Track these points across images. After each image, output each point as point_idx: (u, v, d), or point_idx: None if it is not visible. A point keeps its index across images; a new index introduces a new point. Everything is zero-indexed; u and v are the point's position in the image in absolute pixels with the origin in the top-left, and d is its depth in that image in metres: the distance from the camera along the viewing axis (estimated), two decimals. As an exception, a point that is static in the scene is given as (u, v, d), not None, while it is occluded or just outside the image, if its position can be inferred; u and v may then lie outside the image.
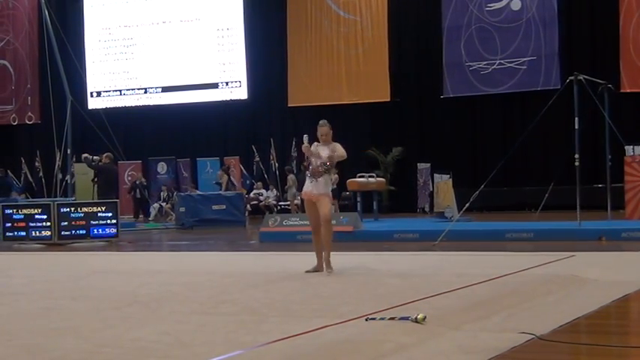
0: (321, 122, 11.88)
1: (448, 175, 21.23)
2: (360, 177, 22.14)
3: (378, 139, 27.74)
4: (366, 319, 7.08)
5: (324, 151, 11.33)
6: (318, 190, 10.94)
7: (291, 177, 26.46)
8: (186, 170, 29.35)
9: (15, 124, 31.93)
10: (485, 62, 26.69)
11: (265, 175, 28.00)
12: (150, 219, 27.05)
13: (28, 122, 31.86)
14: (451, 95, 26.97)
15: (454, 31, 26.92)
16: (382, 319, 7.05)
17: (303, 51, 28.73)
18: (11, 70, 32.62)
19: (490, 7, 26.69)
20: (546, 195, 18.17)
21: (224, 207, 23.38)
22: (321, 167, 11.13)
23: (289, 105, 28.90)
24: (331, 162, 11.22)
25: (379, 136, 27.95)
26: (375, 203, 21.97)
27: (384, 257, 13.50)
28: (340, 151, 11.36)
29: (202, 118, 29.62)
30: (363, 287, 9.53)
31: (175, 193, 26.58)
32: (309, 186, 11.03)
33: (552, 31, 26.08)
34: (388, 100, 27.54)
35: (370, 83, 27.74)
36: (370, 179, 22.14)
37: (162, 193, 27.77)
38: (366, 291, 9.18)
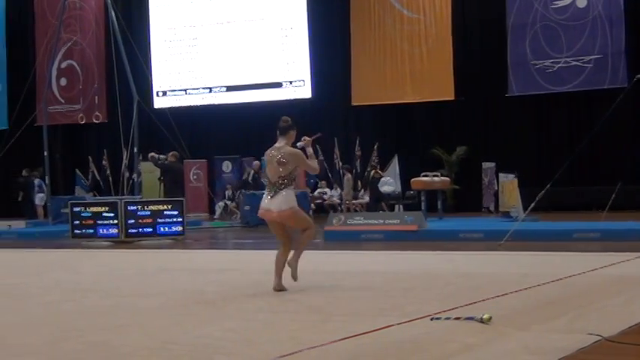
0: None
1: (513, 175, 21.02)
2: (424, 176, 22.05)
3: (442, 138, 27.60)
4: (432, 319, 7.06)
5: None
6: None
7: (347, 176, 26.45)
8: (251, 169, 29.46)
9: (83, 123, 32.35)
10: (550, 60, 26.40)
11: (329, 174, 28.01)
12: (215, 217, 27.23)
13: (95, 121, 32.26)
14: (516, 94, 26.72)
15: (519, 28, 26.67)
16: (447, 318, 7.03)
17: (367, 50, 28.69)
18: (79, 70, 33.06)
19: (555, 4, 26.39)
20: (613, 195, 17.90)
21: (289, 205, 23.41)
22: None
23: (353, 104, 28.87)
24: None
25: (443, 135, 27.81)
26: (439, 202, 21.87)
27: (449, 257, 13.43)
28: None
29: (266, 117, 29.63)
30: (429, 287, 9.50)
31: (240, 192, 26.72)
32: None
33: (619, 29, 25.70)
34: (452, 99, 27.38)
35: (434, 82, 27.59)
36: (435, 178, 22.04)
37: (227, 192, 27.93)
38: (432, 290, 9.15)
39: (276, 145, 9.84)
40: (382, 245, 15.90)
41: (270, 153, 9.83)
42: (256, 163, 26.14)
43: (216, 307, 8.31)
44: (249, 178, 25.84)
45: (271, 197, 9.73)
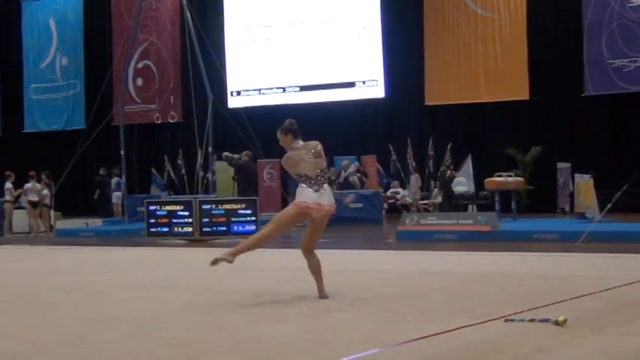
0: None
1: (589, 175, 20.74)
2: (498, 176, 21.87)
3: (516, 138, 27.32)
4: (506, 320, 7.02)
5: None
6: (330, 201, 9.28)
7: (415, 176, 26.33)
8: (324, 168, 29.54)
9: (158, 122, 32.74)
10: (627, 59, 25.98)
11: (402, 174, 27.93)
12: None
13: (170, 121, 32.60)
14: (592, 93, 26.35)
15: (595, 27, 26.29)
16: (522, 320, 6.98)
17: (440, 49, 28.54)
18: (155, 70, 33.47)
19: (632, 3, 25.94)
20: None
21: (361, 205, 23.47)
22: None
23: (426, 104, 28.75)
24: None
25: (518, 134, 27.53)
26: (513, 203, 21.67)
27: (523, 258, 13.31)
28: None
29: (339, 117, 29.76)
30: (503, 288, 9.43)
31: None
32: (324, 197, 9.24)
33: (697, 28, 25.24)
34: (527, 98, 27.10)
35: (508, 81, 27.34)
36: (509, 178, 21.86)
37: (299, 191, 28.00)
38: (506, 292, 9.08)
39: (297, 144, 9.77)
40: (455, 246, 15.82)
41: (299, 153, 9.59)
42: (346, 162, 26.21)
43: (290, 306, 8.36)
44: (342, 178, 25.88)
45: (316, 191, 9.12)
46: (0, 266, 14.49)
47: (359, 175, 26.32)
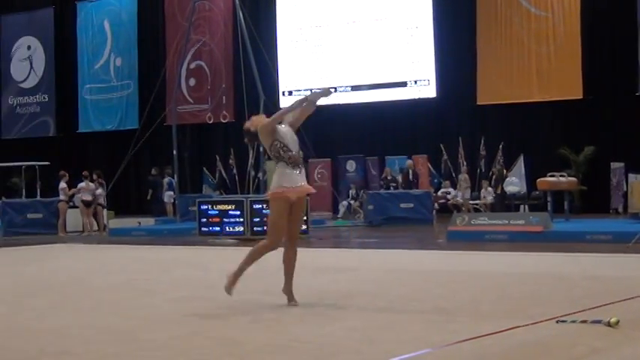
0: None
1: (643, 175, 20.53)
2: (550, 176, 21.69)
3: (569, 137, 27.07)
4: (557, 322, 6.96)
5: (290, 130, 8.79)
6: (305, 182, 8.56)
7: (463, 176, 26.19)
8: (375, 168, 29.53)
9: (210, 122, 32.91)
10: (683, 57, 25.67)
11: (453, 174, 27.83)
12: (339, 216, 27.39)
13: (222, 121, 32.74)
14: (647, 92, 26.06)
15: (650, 25, 26.00)
16: (573, 321, 6.92)
17: (493, 49, 28.36)
18: (207, 70, 33.66)
19: (689, -1, 25.63)
20: None
21: (412, 205, 23.42)
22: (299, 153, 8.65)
23: (478, 103, 28.58)
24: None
25: (571, 134, 27.27)
26: (566, 203, 21.47)
27: (576, 258, 13.19)
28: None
29: (391, 117, 29.72)
30: (554, 289, 9.36)
31: (364, 191, 26.80)
32: (297, 178, 8.45)
33: None
34: (580, 97, 26.83)
35: (562, 81, 27.08)
36: (561, 179, 21.66)
37: (350, 191, 28.04)
38: (558, 292, 9.01)
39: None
40: (506, 246, 15.71)
41: (285, 128, 8.76)
42: (410, 162, 26.20)
43: (339, 306, 8.37)
44: (410, 177, 25.86)
45: (299, 172, 8.48)
46: (54, 265, 14.68)
47: (389, 177, 26.37)
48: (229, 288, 8.36)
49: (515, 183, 24.94)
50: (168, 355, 6.26)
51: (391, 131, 29.67)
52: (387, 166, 27.90)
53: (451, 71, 28.92)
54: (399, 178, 26.24)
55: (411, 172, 25.86)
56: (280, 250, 8.52)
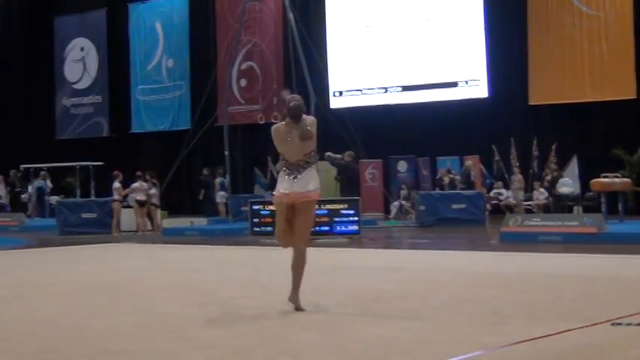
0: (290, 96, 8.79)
1: (699, 176, 20.22)
2: (604, 177, 21.47)
3: (623, 138, 26.73)
4: (612, 324, 6.91)
5: (299, 131, 8.44)
6: (302, 188, 8.24)
7: (518, 177, 26.00)
8: (426, 169, 29.43)
9: (262, 122, 32.99)
10: None
11: (505, 175, 27.64)
12: (390, 217, 27.34)
13: (273, 121, 32.52)
14: (703, 91, 25.67)
15: None
16: (629, 324, 6.86)
17: (544, 48, 28.11)
18: (258, 71, 33.79)
19: None
20: None
21: (464, 206, 23.32)
22: (302, 156, 8.34)
23: (530, 103, 28.34)
24: (311, 143, 8.50)
25: (625, 135, 26.92)
26: (620, 204, 21.23)
27: (630, 260, 13.04)
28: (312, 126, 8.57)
29: (442, 117, 29.59)
30: (609, 291, 9.28)
31: (415, 192, 26.73)
32: (286, 184, 8.25)
33: None
34: (634, 97, 26.51)
35: (614, 80, 26.77)
36: (615, 179, 21.43)
37: (402, 192, 27.97)
38: (612, 295, 8.93)
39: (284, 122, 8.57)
40: (560, 247, 15.60)
41: (290, 130, 8.48)
42: (469, 162, 26.12)
43: (391, 306, 8.37)
44: (472, 177, 25.81)
45: (294, 178, 8.25)
46: (108, 264, 14.84)
47: (451, 176, 26.23)
48: (298, 304, 8.23)
49: (568, 184, 24.73)
50: (220, 353, 6.31)
51: (442, 131, 29.54)
52: (443, 166, 27.77)
53: (503, 71, 28.72)
54: (458, 177, 26.11)
55: (472, 172, 25.76)
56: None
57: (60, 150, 38.34)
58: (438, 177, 27.20)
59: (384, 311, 8.09)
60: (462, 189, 24.91)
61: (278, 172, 8.23)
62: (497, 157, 27.91)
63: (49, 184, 33.12)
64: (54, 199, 31.31)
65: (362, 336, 6.78)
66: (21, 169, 35.00)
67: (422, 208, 23.81)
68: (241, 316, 7.96)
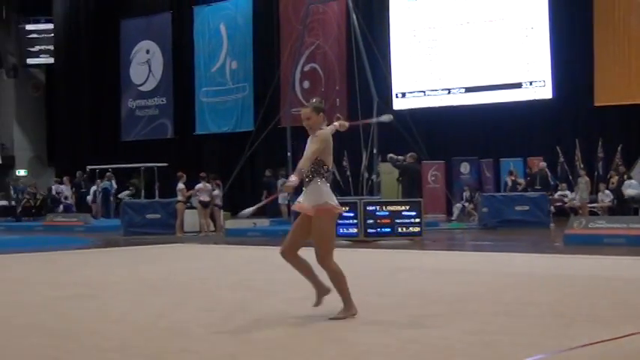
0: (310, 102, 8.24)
1: None
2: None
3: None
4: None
5: (310, 144, 7.95)
6: (305, 202, 7.79)
7: (584, 179, 25.71)
8: (489, 170, 29.25)
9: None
10: None
11: (570, 177, 27.36)
12: (453, 218, 27.22)
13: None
14: None
15: None
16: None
17: (611, 49, 27.78)
18: (321, 72, 33.87)
19: None
20: None
21: (527, 208, 23.12)
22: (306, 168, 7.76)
23: (595, 104, 28.04)
24: (319, 159, 7.81)
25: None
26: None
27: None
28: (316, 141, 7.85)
29: (505, 118, 29.39)
30: (675, 295, 9.15)
31: (478, 194, 26.58)
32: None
33: None
34: (703, 97, 26.11)
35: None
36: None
37: (464, 193, 27.83)
38: (679, 299, 8.81)
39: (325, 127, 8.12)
40: (625, 250, 15.39)
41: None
42: (543, 164, 25.94)
43: (454, 309, 8.34)
44: (550, 179, 25.67)
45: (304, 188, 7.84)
46: (172, 264, 14.99)
47: (512, 178, 26.04)
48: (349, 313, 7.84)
49: (634, 186, 24.41)
50: (283, 355, 6.35)
51: (506, 133, 29.34)
52: (507, 168, 27.57)
53: (567, 72, 28.43)
54: (522, 180, 25.91)
55: (549, 173, 25.55)
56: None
57: (125, 152, 38.85)
58: (511, 178, 26.83)
59: (446, 313, 8.06)
60: (536, 190, 24.62)
61: (320, 181, 7.74)
62: (561, 159, 27.64)
63: (115, 185, 33.56)
64: (125, 194, 31.90)
65: (423, 338, 6.77)
66: (87, 170, 35.52)
67: (485, 210, 23.67)
68: (304, 316, 7.98)
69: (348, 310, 7.76)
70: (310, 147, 7.84)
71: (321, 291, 7.99)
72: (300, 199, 7.84)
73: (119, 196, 32.53)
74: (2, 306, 9.16)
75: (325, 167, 7.78)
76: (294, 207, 8.01)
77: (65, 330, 7.43)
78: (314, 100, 8.20)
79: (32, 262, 15.80)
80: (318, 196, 7.69)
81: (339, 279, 7.88)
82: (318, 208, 7.68)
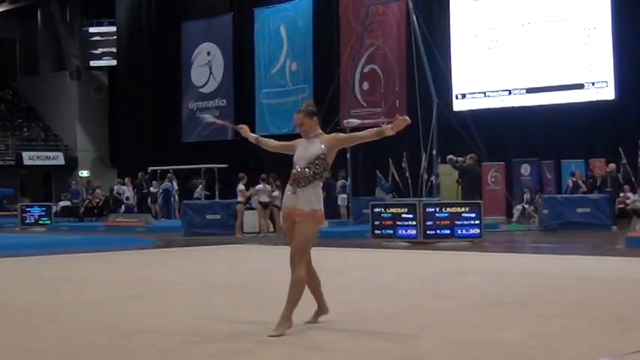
0: (300, 107, 7.93)
1: None
2: None
3: None
4: None
5: (311, 146, 7.59)
6: (298, 205, 7.49)
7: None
8: (550, 172, 28.98)
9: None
10: None
11: (632, 178, 26.99)
12: (513, 220, 27.02)
13: (395, 124, 32.75)
14: None
15: None
16: None
17: (676, 48, 27.43)
18: (380, 74, 33.83)
19: None
20: None
21: (589, 210, 22.85)
22: (308, 170, 7.52)
23: (660, 105, 27.70)
24: (323, 162, 7.52)
25: None
26: None
27: None
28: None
29: (567, 120, 29.09)
30: None
31: (539, 195, 26.35)
32: (288, 197, 7.59)
33: None
34: None
35: None
36: None
37: (525, 195, 27.61)
38: None
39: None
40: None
41: (307, 144, 7.69)
42: (612, 165, 25.68)
43: (514, 312, 8.30)
44: (620, 179, 25.50)
45: (293, 192, 7.56)
46: (232, 265, 15.10)
47: (573, 179, 25.76)
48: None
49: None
50: (342, 357, 6.36)
51: (567, 134, 29.04)
52: (573, 169, 27.30)
53: (631, 72, 28.05)
54: (582, 181, 25.66)
55: (619, 175, 25.30)
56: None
57: (186, 153, 39.20)
58: (573, 179, 26.53)
59: (506, 316, 8.02)
60: (606, 192, 24.32)
61: (319, 185, 7.54)
62: (623, 160, 27.27)
63: (176, 185, 33.90)
64: (198, 190, 32.38)
65: (483, 340, 6.74)
66: (148, 171, 35.91)
67: (545, 211, 23.45)
68: (363, 318, 7.99)
69: (284, 324, 7.20)
70: (337, 135, 7.69)
71: (322, 310, 7.80)
72: (292, 201, 7.49)
73: (195, 195, 33.00)
74: (64, 305, 9.31)
75: (327, 171, 7.58)
76: (287, 212, 7.58)
77: (125, 330, 7.52)
78: (304, 105, 7.87)
79: (94, 262, 16.03)
80: (316, 200, 7.46)
81: (299, 289, 7.45)
82: (314, 213, 7.47)
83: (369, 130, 7.65)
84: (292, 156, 7.70)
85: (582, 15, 28.98)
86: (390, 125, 7.34)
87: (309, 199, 7.43)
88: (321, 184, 7.54)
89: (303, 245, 7.56)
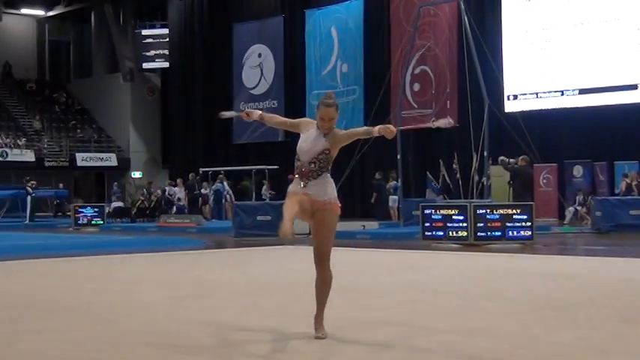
0: (327, 99, 7.59)
1: None
2: None
3: None
4: None
5: (317, 140, 7.30)
6: (317, 194, 7.29)
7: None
8: (603, 174, 28.69)
9: (434, 127, 32.95)
10: None
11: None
12: (565, 222, 26.79)
13: (447, 126, 32.63)
14: None
15: None
16: None
17: None
18: (431, 75, 33.73)
19: None
20: None
21: (644, 212, 22.59)
22: (313, 165, 7.22)
23: None
24: (327, 157, 7.26)
25: None
26: None
27: None
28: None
29: (619, 120, 28.79)
30: None
31: (591, 197, 26.09)
32: (300, 188, 7.25)
33: None
34: None
35: None
36: None
37: (577, 197, 27.36)
38: None
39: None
40: None
41: (312, 134, 7.45)
42: (633, 172, 25.43)
43: (566, 314, 8.22)
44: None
45: (303, 186, 7.28)
46: (282, 266, 15.16)
47: (627, 181, 25.45)
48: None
49: None
50: (393, 356, 6.35)
51: (620, 135, 28.73)
52: (626, 171, 27.01)
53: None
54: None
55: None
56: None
57: (237, 154, 39.41)
58: (629, 181, 26.22)
59: (557, 319, 7.94)
60: None
61: (329, 176, 7.35)
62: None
63: (227, 187, 34.09)
64: (264, 190, 32.65)
65: (534, 343, 6.69)
66: (200, 172, 36.15)
67: (598, 213, 23.20)
68: (409, 320, 7.97)
69: (321, 325, 7.16)
70: (340, 131, 7.51)
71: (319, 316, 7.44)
72: (309, 192, 7.18)
73: (262, 195, 33.28)
74: (115, 305, 9.39)
75: (330, 164, 7.35)
76: (309, 202, 7.29)
77: (175, 330, 7.58)
78: (329, 98, 7.60)
79: (146, 262, 16.17)
80: (332, 190, 7.31)
81: (327, 287, 7.45)
82: (334, 203, 7.36)
83: (361, 127, 7.69)
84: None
85: (636, 15, 28.64)
86: (379, 127, 7.24)
87: (326, 190, 7.27)
88: (329, 174, 7.29)
89: (331, 237, 7.54)
